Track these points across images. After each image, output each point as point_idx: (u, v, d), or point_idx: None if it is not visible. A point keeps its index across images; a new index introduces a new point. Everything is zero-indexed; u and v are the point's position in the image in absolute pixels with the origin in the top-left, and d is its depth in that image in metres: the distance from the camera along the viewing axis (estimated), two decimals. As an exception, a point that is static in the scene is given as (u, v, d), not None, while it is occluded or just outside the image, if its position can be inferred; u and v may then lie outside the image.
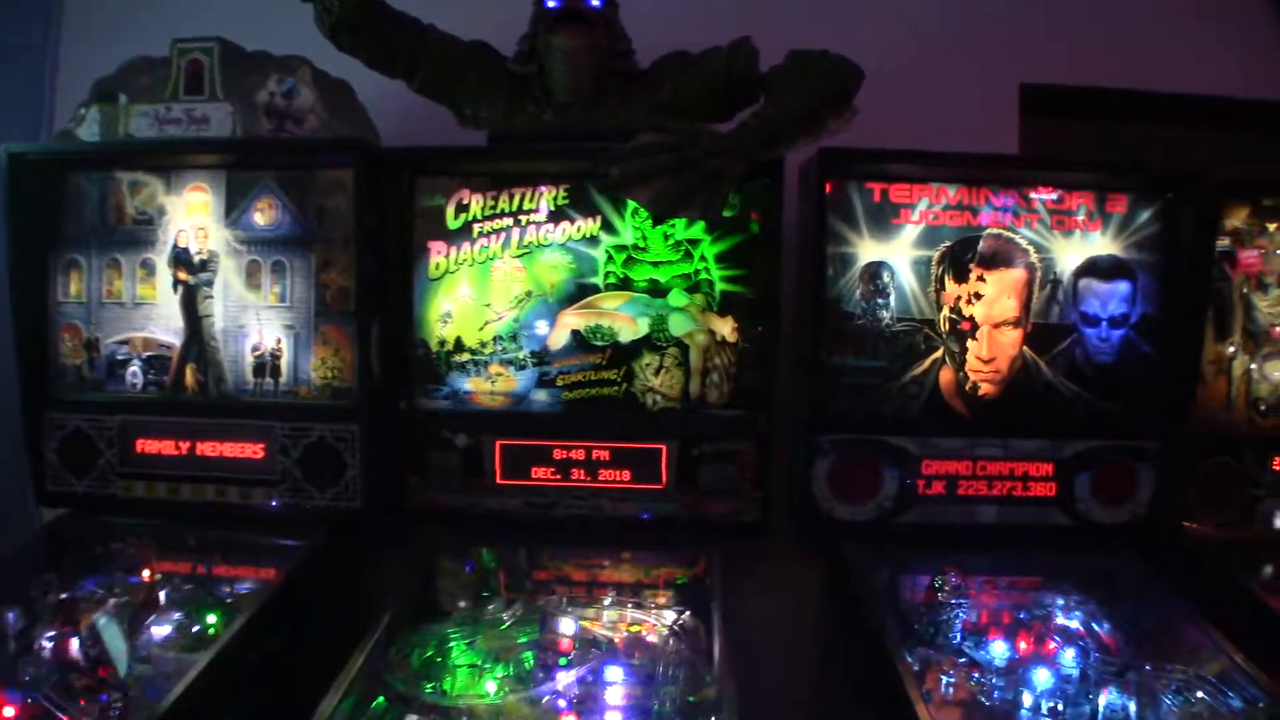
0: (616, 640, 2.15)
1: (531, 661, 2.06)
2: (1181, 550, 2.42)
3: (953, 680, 2.05)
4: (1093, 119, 2.99)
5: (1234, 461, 2.45)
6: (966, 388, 2.35)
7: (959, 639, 2.19)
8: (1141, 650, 2.15)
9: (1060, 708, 1.99)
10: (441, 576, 2.30)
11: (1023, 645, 2.17)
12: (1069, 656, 2.12)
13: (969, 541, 2.38)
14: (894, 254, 2.32)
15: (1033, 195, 2.34)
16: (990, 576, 2.39)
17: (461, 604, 2.26)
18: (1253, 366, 2.44)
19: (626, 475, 2.31)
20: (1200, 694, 2.00)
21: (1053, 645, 2.16)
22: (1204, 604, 2.24)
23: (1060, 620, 2.28)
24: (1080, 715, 1.98)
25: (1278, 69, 2.99)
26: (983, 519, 2.36)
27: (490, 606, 2.25)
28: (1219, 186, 2.38)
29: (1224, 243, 2.41)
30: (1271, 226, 2.43)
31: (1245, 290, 2.42)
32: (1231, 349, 2.42)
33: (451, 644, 2.11)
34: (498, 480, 2.32)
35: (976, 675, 2.04)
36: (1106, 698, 2.00)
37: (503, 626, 2.18)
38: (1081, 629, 2.25)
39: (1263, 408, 2.45)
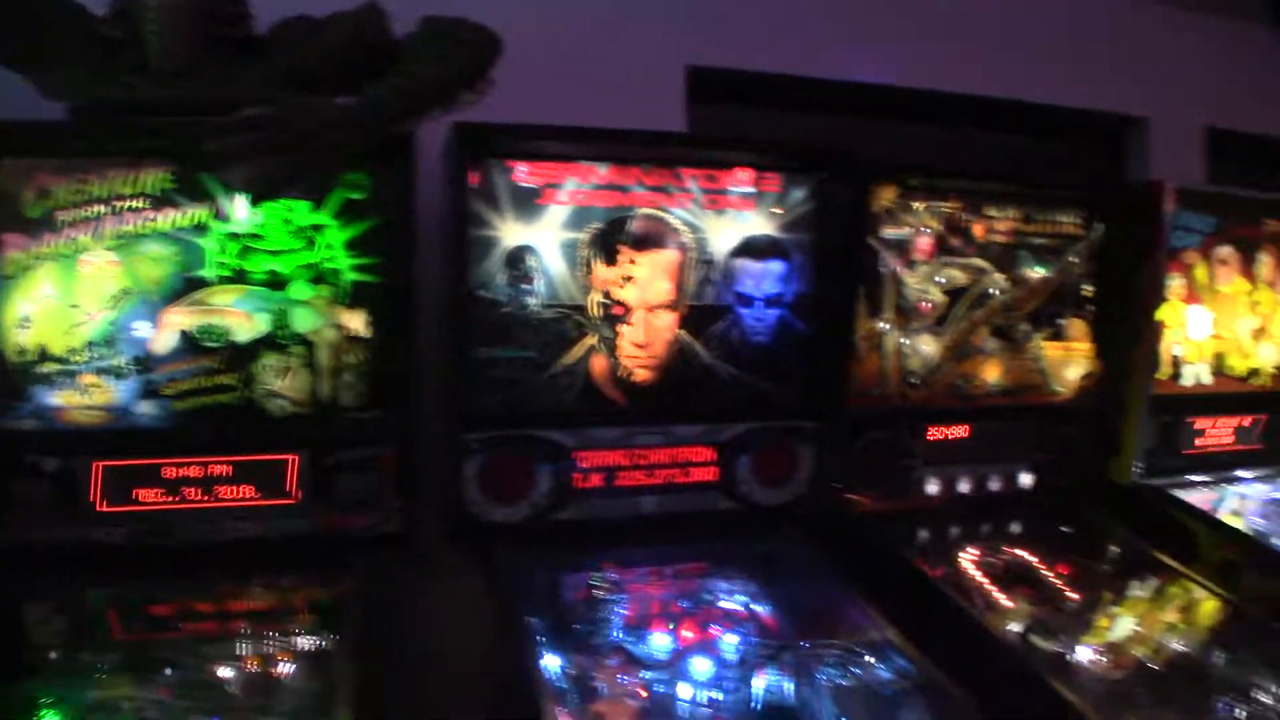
0: (237, 681, 1.92)
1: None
2: (843, 526, 2.43)
3: (608, 681, 1.96)
4: (760, 105, 3.00)
5: (889, 435, 2.49)
6: (621, 374, 2.26)
7: (619, 635, 2.11)
8: (803, 629, 2.15)
9: (719, 696, 1.93)
10: (28, 624, 1.99)
11: (687, 635, 2.11)
12: (729, 642, 2.08)
13: (632, 533, 2.30)
14: (540, 237, 2.19)
15: (685, 174, 2.26)
16: (655, 567, 2.32)
17: (53, 655, 1.95)
18: (904, 341, 2.48)
19: (250, 491, 2.08)
20: (853, 667, 2.03)
21: (713, 632, 2.10)
22: (865, 577, 2.26)
23: (723, 606, 2.25)
24: (740, 700, 1.93)
25: (934, 59, 3.09)
26: (644, 509, 2.30)
27: (88, 654, 1.95)
28: (868, 166, 2.40)
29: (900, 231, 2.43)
30: (919, 206, 2.47)
31: (895, 267, 2.45)
32: (884, 325, 2.45)
33: (40, 706, 1.82)
34: (99, 508, 2.03)
35: (625, 676, 1.96)
36: (765, 680, 1.97)
37: (99, 677, 1.89)
38: (744, 613, 2.22)
39: (914, 381, 2.50)
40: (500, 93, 2.20)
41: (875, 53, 3.00)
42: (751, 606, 2.28)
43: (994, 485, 2.66)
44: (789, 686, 2.01)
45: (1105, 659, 2.20)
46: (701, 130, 2.81)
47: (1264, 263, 3.03)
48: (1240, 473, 3.10)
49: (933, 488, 2.58)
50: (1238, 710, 2.08)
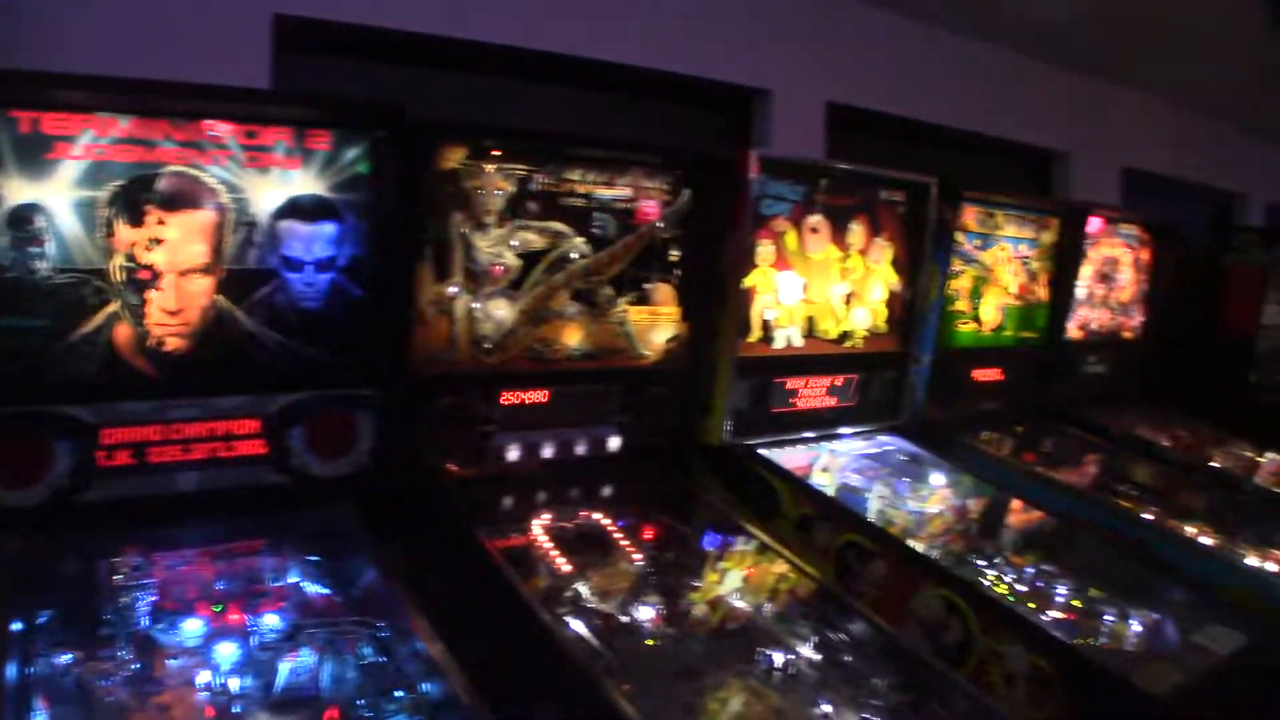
0: None
1: None
2: (410, 496, 2.42)
3: (120, 674, 1.85)
4: (355, 57, 2.92)
5: (462, 401, 2.49)
6: (149, 344, 2.14)
7: (149, 623, 2.01)
8: (348, 608, 2.11)
9: (239, 681, 1.87)
10: None
11: (229, 618, 2.03)
12: (267, 623, 2.02)
13: (174, 513, 2.19)
14: (50, 194, 2.03)
15: (222, 129, 2.16)
16: (206, 548, 2.23)
17: None
18: (475, 306, 2.48)
19: None
20: (379, 648, 2.02)
21: (255, 613, 2.04)
22: (427, 549, 2.25)
23: (272, 586, 2.18)
24: (264, 684, 1.87)
25: (559, 19, 3.10)
26: (183, 487, 2.20)
27: None
28: (428, 125, 2.37)
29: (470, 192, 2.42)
30: (490, 168, 2.46)
31: (465, 230, 2.44)
32: (453, 289, 2.44)
33: None
34: None
35: (138, 666, 1.86)
36: (296, 660, 1.92)
37: None
38: (292, 592, 2.16)
39: (487, 346, 2.51)
40: (52, 37, 2.04)
41: (490, 12, 2.97)
42: (302, 585, 2.22)
43: (580, 449, 2.71)
44: (314, 663, 1.96)
45: (662, 620, 2.28)
46: (289, 84, 2.70)
47: (855, 231, 3.23)
48: (835, 430, 3.30)
49: (513, 454, 2.60)
50: (776, 659, 2.20)
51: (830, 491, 3.06)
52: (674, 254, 2.83)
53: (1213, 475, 3.90)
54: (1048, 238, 4.11)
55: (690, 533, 2.68)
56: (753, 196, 2.87)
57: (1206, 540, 3.38)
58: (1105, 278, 4.54)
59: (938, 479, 3.28)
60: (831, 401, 3.28)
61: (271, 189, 2.25)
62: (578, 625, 2.20)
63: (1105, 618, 2.64)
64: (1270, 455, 4.43)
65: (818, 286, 3.16)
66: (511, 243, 2.54)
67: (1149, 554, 3.07)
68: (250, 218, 2.23)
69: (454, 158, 2.45)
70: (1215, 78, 5.74)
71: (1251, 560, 3.25)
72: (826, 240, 3.15)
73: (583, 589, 2.34)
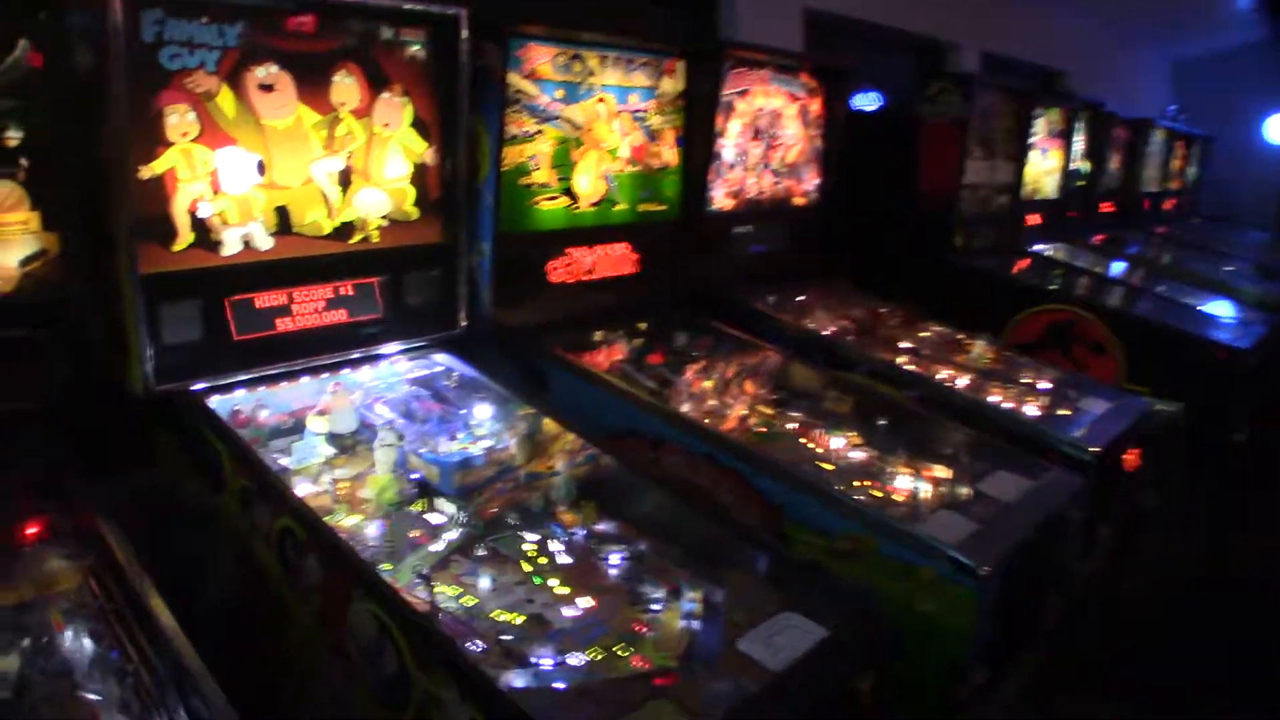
0: None
1: None
2: None
3: None
4: None
5: None
6: None
7: None
8: None
9: None
10: None
11: None
12: None
13: None
14: None
15: None
16: None
17: None
18: None
19: None
20: None
21: None
22: None
23: None
24: None
25: None
26: None
27: None
28: None
29: None
30: None
31: None
32: None
33: None
34: None
35: None
36: None
37: None
38: None
39: None
40: None
41: None
42: None
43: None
44: None
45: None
46: None
47: (343, 86, 2.48)
48: (355, 353, 2.59)
49: None
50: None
51: (322, 442, 2.35)
52: (13, 137, 2.01)
53: (876, 369, 3.37)
54: (670, 86, 3.45)
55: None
56: (134, 43, 2.07)
57: (858, 454, 2.85)
58: (761, 134, 3.95)
59: (484, 410, 2.61)
60: (341, 316, 2.54)
61: None
62: None
63: (653, 605, 2.02)
64: (980, 343, 3.96)
65: (288, 165, 2.41)
66: None
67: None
68: None
69: None
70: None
71: (904, 479, 2.72)
72: (292, 99, 2.40)
73: None
